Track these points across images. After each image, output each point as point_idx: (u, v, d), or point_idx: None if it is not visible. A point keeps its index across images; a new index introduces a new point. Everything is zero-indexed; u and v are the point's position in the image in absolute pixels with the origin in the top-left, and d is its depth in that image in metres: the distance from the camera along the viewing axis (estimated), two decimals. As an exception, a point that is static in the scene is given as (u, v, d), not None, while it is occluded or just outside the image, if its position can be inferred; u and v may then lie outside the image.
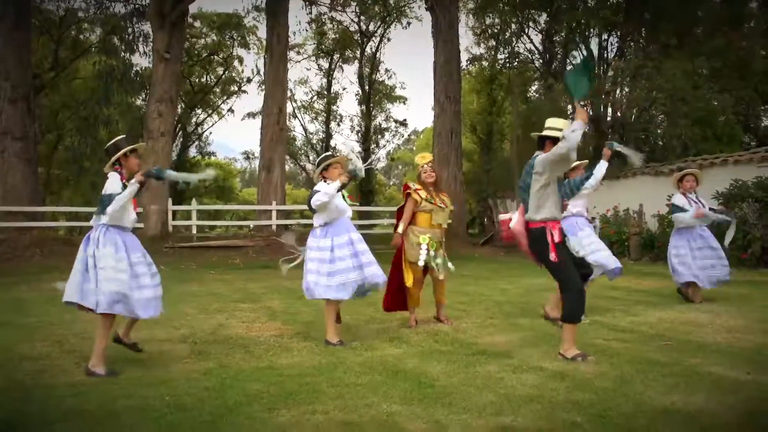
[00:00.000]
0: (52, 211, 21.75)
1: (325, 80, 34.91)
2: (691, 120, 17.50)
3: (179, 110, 28.59)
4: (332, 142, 35.01)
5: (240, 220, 30.87)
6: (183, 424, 3.68)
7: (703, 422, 3.58)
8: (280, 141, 21.32)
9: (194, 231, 19.40)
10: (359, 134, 34.73)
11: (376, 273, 6.08)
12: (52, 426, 3.71)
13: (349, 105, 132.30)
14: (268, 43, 22.12)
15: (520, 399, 4.07)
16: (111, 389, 4.43)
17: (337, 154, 6.95)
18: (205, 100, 34.29)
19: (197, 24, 30.96)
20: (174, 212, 19.49)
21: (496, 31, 27.93)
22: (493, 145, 30.13)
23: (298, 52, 33.55)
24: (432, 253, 6.65)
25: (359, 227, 23.16)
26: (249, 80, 34.11)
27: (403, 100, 35.81)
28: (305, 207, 6.89)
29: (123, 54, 25.27)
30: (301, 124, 35.61)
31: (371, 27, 33.37)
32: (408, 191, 6.79)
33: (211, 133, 40.96)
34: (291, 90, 31.29)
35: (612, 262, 7.40)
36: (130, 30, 24.45)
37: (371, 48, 33.91)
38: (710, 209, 8.38)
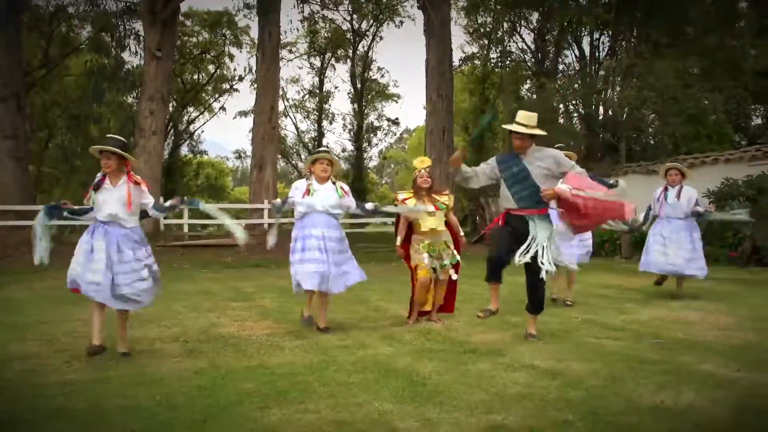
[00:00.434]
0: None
1: (317, 79, 34.90)
2: (683, 119, 17.57)
3: (171, 108, 28.47)
4: (324, 141, 34.99)
5: (231, 219, 30.78)
6: (174, 423, 3.67)
7: (694, 419, 3.60)
8: (272, 139, 21.27)
9: (186, 229, 19.38)
10: (351, 133, 34.72)
11: (341, 276, 6.39)
12: (41, 425, 3.69)
13: (341, 103, 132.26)
14: (259, 41, 22.05)
15: (511, 397, 4.07)
16: (102, 388, 4.41)
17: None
18: (196, 98, 34.19)
19: (188, 22, 30.85)
20: (166, 211, 19.40)
21: (488, 29, 27.96)
22: (484, 144, 30.17)
23: (290, 51, 33.54)
24: (427, 259, 6.64)
25: (351, 225, 23.22)
26: (241, 78, 34.07)
27: (396, 97, 35.81)
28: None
29: (114, 52, 25.16)
30: (293, 123, 35.59)
31: (364, 26, 33.39)
32: (396, 203, 6.88)
33: (203, 131, 40.87)
34: (283, 89, 31.27)
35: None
36: (121, 28, 24.35)
37: (363, 47, 33.94)
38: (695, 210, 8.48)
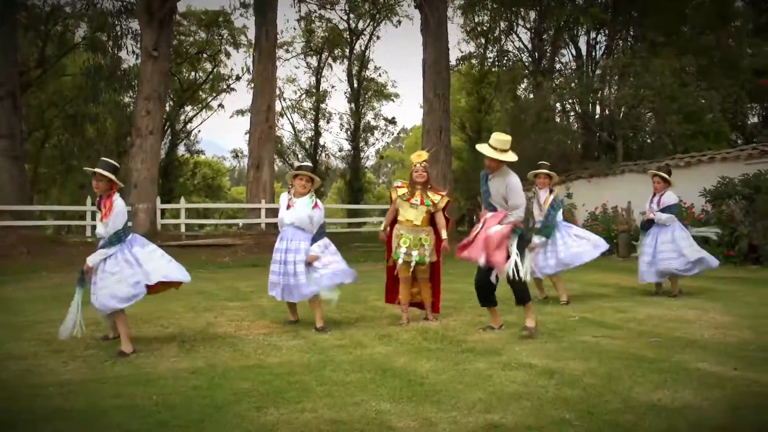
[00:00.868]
0: (39, 210, 21.60)
1: (313, 78, 34.88)
2: (679, 118, 17.60)
3: (168, 108, 28.44)
4: (321, 140, 34.98)
5: (229, 219, 30.77)
6: (171, 423, 3.66)
7: (690, 418, 3.60)
8: (269, 139, 21.28)
9: (183, 229, 19.37)
10: (348, 132, 34.70)
11: (295, 287, 6.56)
12: (39, 425, 3.68)
13: (338, 103, 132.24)
14: (256, 41, 22.04)
15: (508, 396, 4.07)
16: (99, 388, 4.40)
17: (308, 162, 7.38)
18: (193, 97, 34.15)
19: (185, 22, 30.81)
20: (162, 210, 19.41)
21: (485, 28, 27.96)
22: (482, 143, 30.16)
23: (287, 50, 33.52)
24: (404, 249, 6.68)
25: (348, 225, 23.17)
26: (238, 78, 34.02)
27: (394, 96, 35.81)
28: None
29: (111, 51, 25.10)
30: (290, 123, 35.56)
31: (360, 25, 33.36)
32: (391, 190, 7.03)
33: (199, 131, 40.74)
34: (280, 88, 31.25)
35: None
36: (117, 27, 24.30)
37: (361, 46, 33.92)
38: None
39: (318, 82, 34.74)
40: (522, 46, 26.81)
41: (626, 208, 16.28)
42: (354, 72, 33.99)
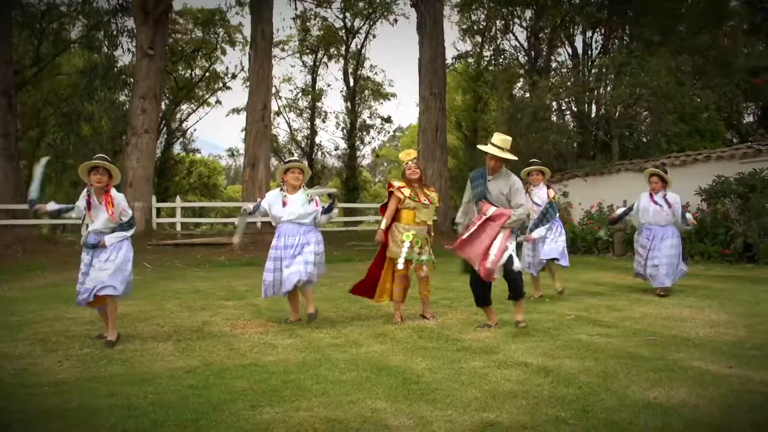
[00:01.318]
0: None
1: (309, 77, 34.85)
2: (675, 117, 17.63)
3: (163, 107, 28.39)
4: (317, 139, 34.95)
5: (225, 217, 30.73)
6: (166, 422, 3.65)
7: (685, 416, 3.61)
8: (265, 138, 21.24)
9: (178, 228, 19.31)
10: (344, 131, 34.68)
11: (292, 273, 6.53)
12: (33, 424, 3.67)
13: (334, 101, 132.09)
14: (252, 39, 22.00)
15: (504, 394, 4.07)
16: (94, 387, 4.39)
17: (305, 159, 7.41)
18: (189, 95, 34.09)
19: (181, 20, 30.76)
20: (158, 209, 19.38)
21: (481, 27, 27.98)
22: (478, 142, 30.13)
23: (283, 49, 33.48)
24: (416, 249, 6.68)
25: (344, 224, 23.16)
26: (234, 76, 34.00)
27: (391, 95, 35.80)
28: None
29: (106, 50, 25.06)
30: (286, 121, 35.54)
31: (356, 23, 33.34)
32: (391, 189, 6.89)
33: (195, 129, 40.68)
34: (276, 87, 31.21)
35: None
36: (113, 25, 24.26)
37: (356, 44, 33.90)
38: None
39: (314, 80, 34.75)
40: (518, 44, 26.86)
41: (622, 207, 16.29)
42: (350, 70, 33.98)
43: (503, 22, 25.88)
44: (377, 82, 35.06)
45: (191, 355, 5.36)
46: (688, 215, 8.75)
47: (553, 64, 25.66)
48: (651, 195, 8.57)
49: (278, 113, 33.95)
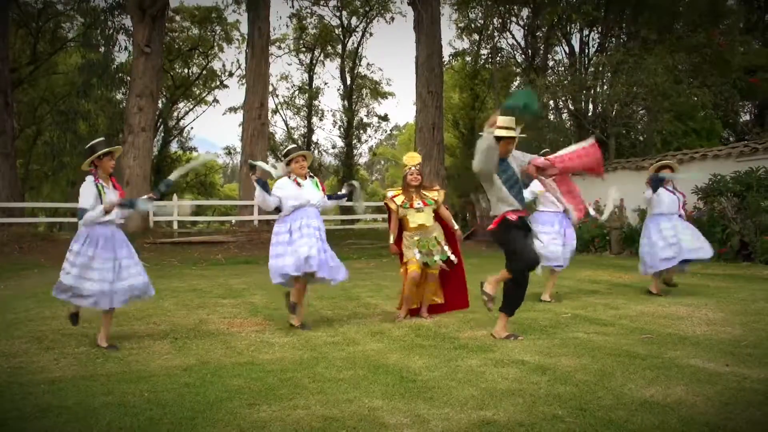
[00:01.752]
0: (31, 207, 21.50)
1: (306, 75, 34.83)
2: (671, 115, 17.64)
3: (160, 105, 28.35)
4: (314, 137, 34.91)
5: (222, 216, 30.69)
6: (163, 420, 3.65)
7: (682, 414, 3.61)
8: (262, 136, 21.23)
9: (175, 226, 19.29)
10: (341, 129, 34.65)
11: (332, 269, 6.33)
12: (29, 422, 3.66)
13: (331, 100, 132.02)
14: (249, 37, 22.00)
15: (501, 393, 4.07)
16: (90, 385, 4.38)
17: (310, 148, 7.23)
18: (186, 94, 34.05)
19: (178, 18, 30.72)
20: (155, 208, 19.29)
21: (479, 25, 27.98)
22: (475, 141, 30.12)
23: (279, 47, 33.44)
24: (425, 252, 6.66)
25: (342, 222, 23.12)
26: (231, 74, 33.95)
27: (389, 94, 35.80)
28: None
29: (103, 48, 25.02)
30: (283, 119, 35.53)
31: (353, 21, 33.31)
32: (386, 202, 6.96)
33: (192, 128, 40.57)
34: (272, 85, 31.17)
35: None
36: (110, 23, 24.22)
37: (353, 43, 33.88)
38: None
39: (311, 78, 34.72)
40: (515, 43, 26.87)
41: (618, 205, 16.30)
42: (347, 69, 33.94)
43: (500, 20, 25.89)
44: (374, 80, 35.08)
45: (188, 354, 5.35)
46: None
47: (550, 63, 25.67)
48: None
49: (275, 111, 33.95)
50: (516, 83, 28.09)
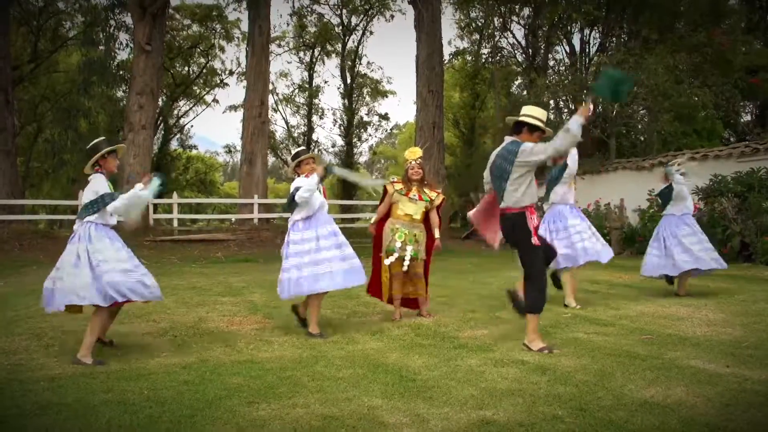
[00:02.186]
0: (31, 204, 21.50)
1: (306, 73, 34.81)
2: (672, 116, 17.62)
3: (160, 103, 28.33)
4: (314, 136, 34.91)
5: (222, 214, 30.68)
6: (162, 418, 3.65)
7: (682, 414, 3.61)
8: (262, 134, 21.21)
9: (175, 224, 19.28)
10: (341, 128, 34.64)
11: (357, 269, 6.13)
12: (29, 420, 3.66)
13: (331, 98, 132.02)
14: (249, 35, 21.97)
15: (501, 392, 4.07)
16: (90, 383, 4.38)
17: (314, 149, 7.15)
18: (186, 92, 34.03)
19: (178, 16, 30.71)
20: (155, 205, 19.33)
21: (479, 24, 27.96)
22: (475, 140, 30.16)
23: (279, 45, 33.43)
24: (398, 244, 6.67)
25: (341, 221, 23.11)
26: (231, 72, 33.94)
27: (390, 93, 35.80)
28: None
29: (103, 46, 25.01)
30: (283, 118, 35.49)
31: (353, 20, 33.29)
32: (386, 185, 7.01)
33: (192, 126, 40.63)
34: (272, 83, 31.17)
35: (603, 252, 7.75)
36: (111, 21, 24.22)
37: (353, 41, 33.86)
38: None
39: (311, 77, 34.70)
40: (516, 42, 26.84)
41: (619, 205, 16.30)
42: (347, 67, 33.93)
43: (501, 19, 25.86)
44: (375, 79, 35.06)
45: (187, 351, 5.35)
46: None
47: (551, 62, 25.66)
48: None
49: (275, 109, 33.95)
50: (517, 82, 28.09)
